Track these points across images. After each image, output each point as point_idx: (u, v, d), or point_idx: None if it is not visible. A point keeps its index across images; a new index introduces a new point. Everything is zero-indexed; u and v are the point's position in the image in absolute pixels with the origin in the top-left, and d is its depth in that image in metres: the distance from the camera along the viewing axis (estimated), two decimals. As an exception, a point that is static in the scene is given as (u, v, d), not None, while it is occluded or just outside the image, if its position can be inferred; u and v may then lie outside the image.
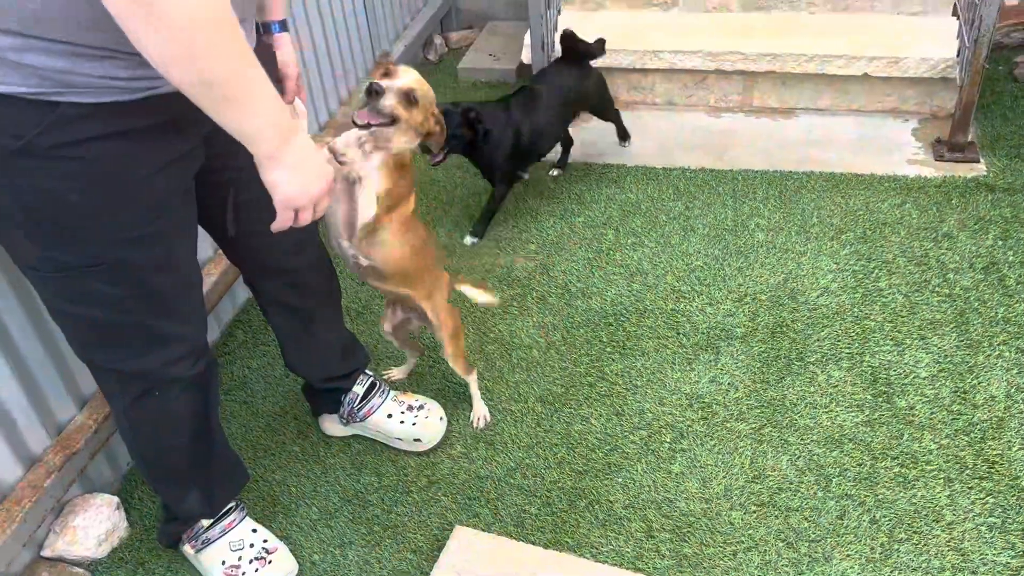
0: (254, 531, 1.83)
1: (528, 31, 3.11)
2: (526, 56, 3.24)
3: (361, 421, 2.05)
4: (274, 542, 1.83)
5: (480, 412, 2.09)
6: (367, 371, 2.08)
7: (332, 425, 2.10)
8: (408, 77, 1.68)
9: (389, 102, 1.61)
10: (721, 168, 2.91)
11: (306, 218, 1.32)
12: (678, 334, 2.26)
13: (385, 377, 2.21)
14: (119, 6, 0.99)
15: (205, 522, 1.80)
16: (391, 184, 1.67)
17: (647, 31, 3.30)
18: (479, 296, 2.07)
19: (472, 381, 2.08)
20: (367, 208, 1.66)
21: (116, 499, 1.95)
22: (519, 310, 2.41)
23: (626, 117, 3.20)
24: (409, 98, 1.64)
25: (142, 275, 1.37)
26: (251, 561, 1.78)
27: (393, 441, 2.04)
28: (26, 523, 1.73)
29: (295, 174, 1.25)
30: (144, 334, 1.45)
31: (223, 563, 1.79)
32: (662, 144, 3.10)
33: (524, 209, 2.81)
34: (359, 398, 2.03)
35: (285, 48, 1.64)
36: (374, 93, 1.60)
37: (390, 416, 2.04)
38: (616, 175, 2.94)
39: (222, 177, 1.49)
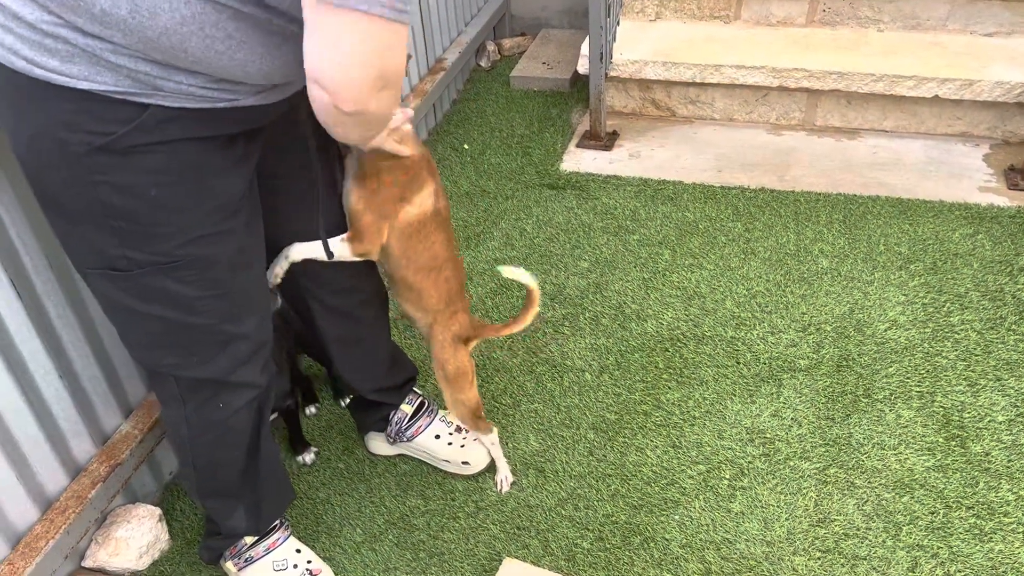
0: (298, 551, 1.78)
1: (585, 40, 3.04)
2: (582, 66, 3.17)
3: (408, 441, 1.99)
4: (318, 563, 1.78)
5: (503, 474, 1.94)
6: (416, 389, 2.03)
7: (378, 443, 2.05)
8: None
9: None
10: (782, 189, 2.82)
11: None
12: (738, 363, 2.18)
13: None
14: (334, 118, 1.13)
15: (249, 539, 1.76)
16: (366, 193, 1.55)
17: (707, 44, 3.21)
18: (520, 275, 1.72)
19: (488, 441, 1.90)
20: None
21: (158, 511, 1.92)
22: (571, 330, 2.34)
23: (684, 132, 3.13)
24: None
25: (215, 273, 1.35)
26: (294, 582, 1.74)
27: (440, 463, 1.99)
28: (69, 535, 1.70)
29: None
30: (214, 336, 1.42)
31: (265, 583, 1.74)
32: (720, 161, 3.01)
33: (576, 224, 2.74)
34: (407, 417, 1.98)
35: None
36: None
37: (438, 437, 1.98)
38: (672, 192, 2.86)
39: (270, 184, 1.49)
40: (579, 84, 3.53)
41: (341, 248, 1.61)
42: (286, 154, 1.50)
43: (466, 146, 3.24)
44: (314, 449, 2.09)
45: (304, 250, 1.60)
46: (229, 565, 1.78)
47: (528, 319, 1.78)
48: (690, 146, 3.11)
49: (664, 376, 2.17)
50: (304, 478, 2.03)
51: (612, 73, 3.16)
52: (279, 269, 1.62)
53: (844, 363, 2.15)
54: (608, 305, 2.41)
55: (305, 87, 1.12)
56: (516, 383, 2.20)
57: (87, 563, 1.82)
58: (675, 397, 2.11)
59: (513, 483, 1.94)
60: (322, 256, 1.61)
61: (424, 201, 1.58)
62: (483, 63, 3.84)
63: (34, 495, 1.69)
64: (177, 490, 2.02)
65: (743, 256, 2.54)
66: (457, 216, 2.84)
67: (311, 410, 2.19)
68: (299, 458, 2.07)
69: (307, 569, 1.76)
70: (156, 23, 1.07)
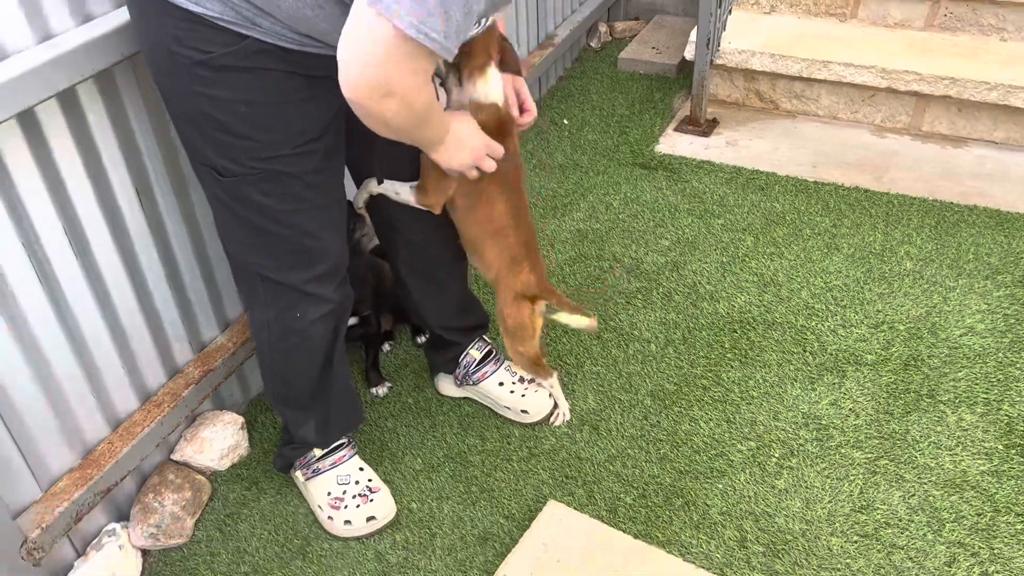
0: (361, 469, 1.93)
1: (695, 27, 3.07)
2: (689, 52, 3.20)
3: (474, 384, 2.11)
4: (377, 483, 1.92)
5: (561, 409, 2.06)
6: (486, 338, 2.14)
7: (447, 385, 2.18)
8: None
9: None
10: (877, 190, 2.79)
11: (477, 173, 1.63)
12: (804, 351, 2.20)
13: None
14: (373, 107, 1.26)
15: (318, 452, 1.91)
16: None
17: (819, 40, 3.19)
18: (575, 320, 1.89)
19: (548, 383, 2.03)
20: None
21: (242, 419, 2.10)
22: (643, 303, 2.40)
23: (785, 126, 3.13)
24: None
25: (294, 188, 1.50)
26: (354, 496, 1.88)
27: (501, 409, 2.10)
28: (162, 425, 1.89)
29: (448, 154, 1.55)
30: (292, 246, 1.57)
31: (328, 494, 1.89)
32: (818, 157, 3.00)
33: (663, 204, 2.80)
34: (475, 362, 2.09)
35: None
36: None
37: (501, 384, 2.09)
38: (764, 182, 2.87)
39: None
40: (685, 71, 3.56)
41: (408, 194, 1.74)
42: None
43: (566, 121, 3.32)
44: (388, 384, 2.23)
45: (383, 187, 1.76)
46: (298, 475, 1.95)
47: (586, 322, 1.88)
48: (789, 140, 3.11)
49: (728, 355, 2.21)
50: (375, 408, 2.18)
51: (718, 61, 3.18)
52: (360, 200, 1.81)
53: (912, 362, 2.14)
54: (683, 283, 2.46)
55: None
56: (583, 345, 2.28)
57: (175, 456, 2.02)
58: (736, 376, 2.15)
59: (567, 432, 2.04)
60: (394, 196, 1.74)
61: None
62: (593, 43, 3.91)
63: (136, 387, 1.89)
64: (261, 404, 2.21)
65: (826, 250, 2.54)
66: (547, 186, 2.94)
67: (386, 347, 2.34)
68: (373, 390, 2.21)
69: (368, 486, 1.90)
70: None
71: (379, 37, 1.16)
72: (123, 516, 1.92)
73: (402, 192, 1.75)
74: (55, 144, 1.57)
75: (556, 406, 2.08)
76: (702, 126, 3.21)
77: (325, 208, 1.57)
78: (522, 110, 1.73)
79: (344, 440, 1.94)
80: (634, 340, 2.29)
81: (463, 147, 1.55)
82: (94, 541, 1.84)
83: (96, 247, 1.70)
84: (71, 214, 1.64)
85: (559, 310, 1.88)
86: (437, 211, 1.76)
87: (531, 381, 2.09)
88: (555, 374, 2.03)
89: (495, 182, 1.69)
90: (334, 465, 1.91)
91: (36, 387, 1.65)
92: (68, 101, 1.57)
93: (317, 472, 1.91)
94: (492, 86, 1.62)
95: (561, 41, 3.47)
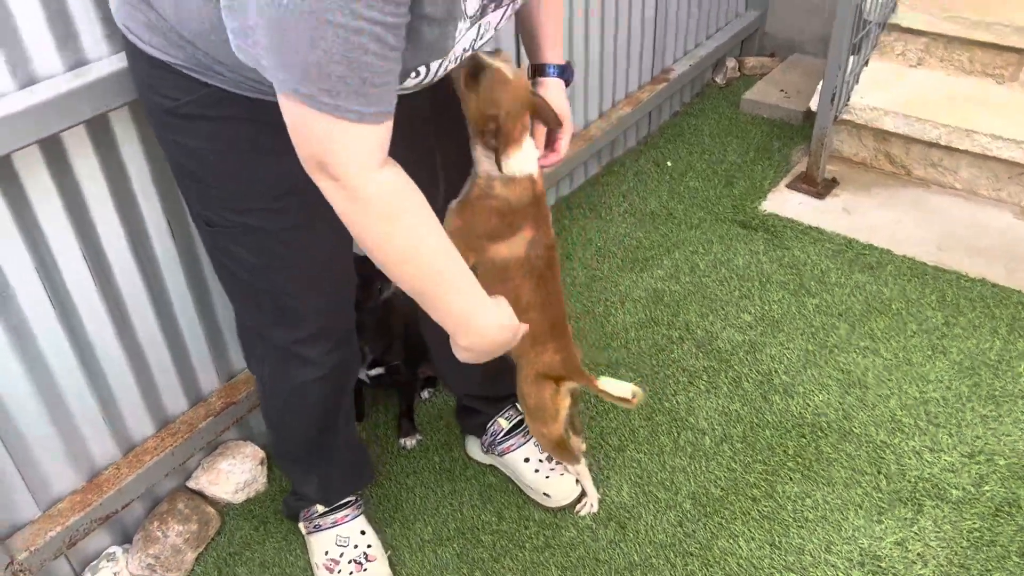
0: (362, 533, 1.83)
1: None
2: (813, 103, 2.91)
3: (499, 456, 1.96)
4: (376, 550, 1.81)
5: (590, 499, 1.89)
6: (517, 406, 1.99)
7: (475, 448, 2.04)
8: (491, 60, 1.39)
9: (459, 76, 1.39)
10: (1007, 286, 2.44)
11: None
12: (878, 473, 1.92)
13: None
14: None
15: (320, 507, 1.82)
16: (461, 221, 1.49)
17: (967, 104, 2.82)
18: (613, 387, 1.68)
19: (574, 471, 1.86)
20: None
21: (263, 454, 2.04)
22: (707, 386, 2.18)
23: (914, 196, 2.81)
24: (474, 73, 1.37)
25: (268, 243, 1.39)
26: (350, 562, 1.78)
27: (524, 487, 1.94)
28: (174, 455, 1.86)
29: (476, 345, 1.34)
30: (274, 305, 1.48)
31: (326, 553, 1.80)
32: (945, 238, 2.65)
33: (754, 272, 2.54)
34: (502, 432, 1.95)
35: (557, 94, 1.53)
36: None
37: (527, 460, 1.94)
38: (875, 260, 2.57)
39: None
40: (811, 121, 3.25)
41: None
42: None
43: (669, 163, 3.11)
44: (418, 436, 2.12)
45: None
46: (301, 525, 1.87)
47: (627, 391, 1.67)
48: (916, 213, 2.77)
49: (789, 464, 1.97)
50: (400, 460, 2.07)
51: (845, 116, 2.88)
52: None
53: (1007, 509, 1.83)
54: (757, 369, 2.22)
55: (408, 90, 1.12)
56: (629, 426, 2.09)
57: (191, 483, 1.99)
58: (793, 491, 1.91)
59: (590, 525, 1.86)
60: None
61: (516, 246, 1.52)
62: (718, 79, 3.65)
63: (153, 412, 1.86)
64: (287, 438, 2.15)
65: (930, 352, 2.23)
66: (633, 235, 2.74)
67: (425, 394, 2.23)
68: (402, 440, 2.11)
69: (365, 553, 1.79)
70: (190, 27, 1.14)
71: (293, 115, 1.04)
72: (129, 538, 1.90)
73: None
74: (81, 169, 1.54)
75: (584, 493, 1.90)
76: (818, 186, 2.91)
77: (304, 269, 1.45)
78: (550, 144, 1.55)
79: (351, 498, 1.84)
80: (688, 428, 2.07)
81: (488, 342, 1.35)
82: (92, 563, 1.83)
83: (119, 273, 1.67)
84: (93, 239, 1.61)
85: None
86: None
87: (559, 462, 1.92)
88: (583, 461, 1.85)
89: (520, 263, 1.53)
90: (335, 524, 1.82)
91: (41, 407, 1.63)
92: (99, 128, 1.54)
93: (318, 528, 1.82)
94: (526, 157, 1.47)
95: (677, 76, 3.24)
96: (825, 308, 2.40)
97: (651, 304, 2.45)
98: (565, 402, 1.72)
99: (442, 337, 1.83)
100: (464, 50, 1.19)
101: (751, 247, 2.66)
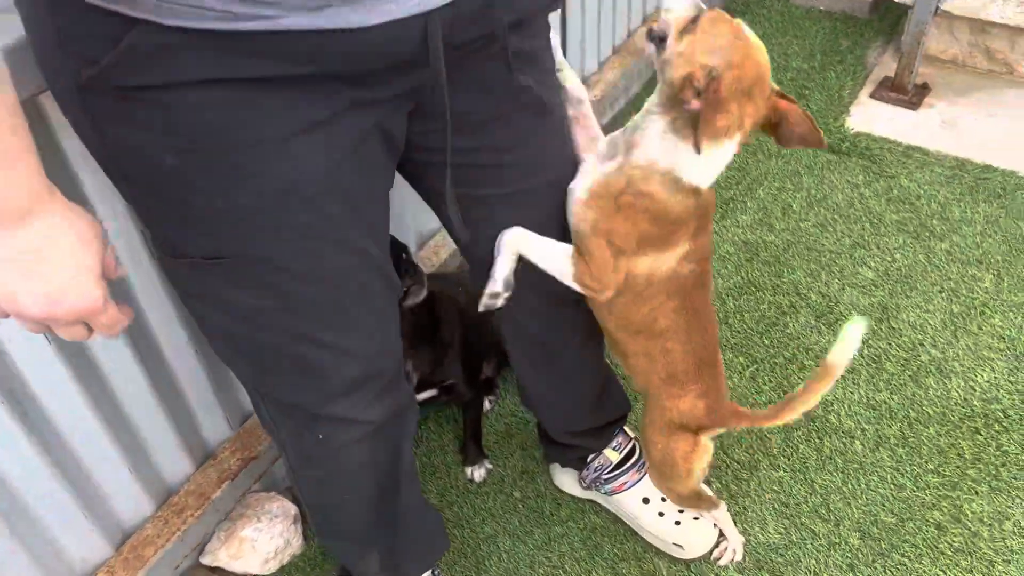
0: (445, 619, 1.39)
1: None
2: (903, -8, 2.40)
3: (607, 495, 1.52)
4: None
5: (733, 544, 1.47)
6: (628, 430, 1.54)
7: (568, 480, 1.60)
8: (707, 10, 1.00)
9: (669, 19, 0.99)
10: None
11: (60, 334, 0.79)
12: (1086, 477, 1.53)
13: None
14: None
15: (385, 590, 1.37)
16: (600, 216, 1.05)
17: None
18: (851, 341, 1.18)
19: (713, 516, 1.46)
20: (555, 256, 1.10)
21: (294, 509, 1.57)
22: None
23: (996, 95, 2.35)
24: (693, 22, 0.98)
25: (281, 280, 0.91)
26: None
27: (644, 533, 1.51)
28: (183, 542, 1.38)
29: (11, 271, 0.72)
30: (292, 359, 0.99)
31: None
32: (1074, 151, 2.22)
33: (861, 211, 2.08)
34: (610, 467, 1.50)
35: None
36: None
37: (646, 501, 1.50)
38: (1001, 186, 2.12)
39: (436, 159, 0.96)
40: (882, 10, 2.74)
41: (563, 265, 1.10)
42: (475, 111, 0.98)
43: (725, 75, 2.58)
44: (488, 463, 1.67)
45: (520, 243, 1.09)
46: (363, 613, 1.42)
47: (810, 402, 1.21)
48: (1016, 117, 2.32)
49: (970, 472, 1.56)
50: (470, 499, 1.62)
51: (945, 7, 2.37)
52: (501, 275, 1.09)
53: None
54: (897, 344, 1.79)
55: None
56: (757, 433, 1.66)
57: (205, 559, 1.52)
58: (985, 510, 1.50)
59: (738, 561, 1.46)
60: (537, 262, 1.11)
61: (664, 259, 1.08)
62: (759, -35, 3.08)
63: (148, 485, 1.37)
64: (320, 480, 1.67)
65: (1103, 305, 1.82)
66: (704, 173, 2.25)
67: (487, 404, 1.76)
68: (468, 470, 1.66)
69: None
70: None
71: None
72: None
73: (550, 260, 1.11)
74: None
75: (722, 535, 1.48)
76: (909, 94, 2.43)
77: (332, 303, 0.96)
78: None
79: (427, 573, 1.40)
80: (831, 432, 1.65)
81: (36, 274, 0.73)
82: None
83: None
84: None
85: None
86: (603, 297, 1.12)
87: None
88: (722, 505, 1.42)
89: (664, 280, 1.10)
90: (407, 608, 1.37)
91: (-6, 523, 1.14)
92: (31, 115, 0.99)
93: (386, 614, 1.38)
94: (721, 159, 1.01)
95: (725, -33, 2.68)
96: (959, 254, 1.96)
97: (746, 262, 1.99)
98: (703, 460, 1.27)
99: (536, 363, 1.36)
100: None
101: (848, 178, 2.18)
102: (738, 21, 0.99)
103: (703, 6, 1.00)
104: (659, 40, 1.00)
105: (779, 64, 2.59)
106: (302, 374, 1.01)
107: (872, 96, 2.46)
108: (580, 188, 1.07)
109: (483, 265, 1.12)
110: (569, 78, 1.13)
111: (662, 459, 1.29)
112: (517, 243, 1.08)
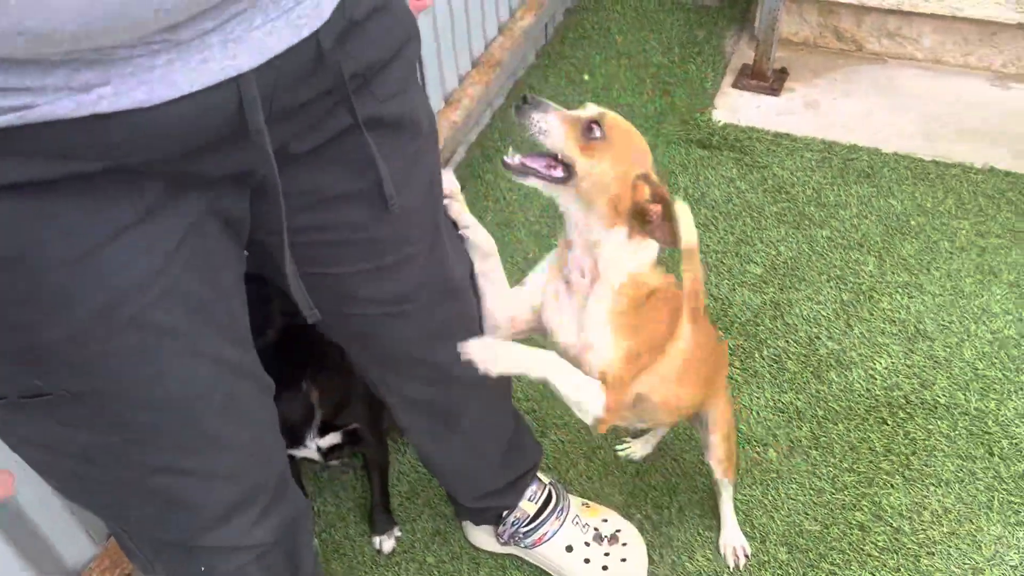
0: None
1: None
2: (751, -20, 2.40)
3: (528, 548, 1.42)
4: None
5: (736, 541, 1.44)
6: (541, 476, 1.44)
7: (483, 537, 1.49)
8: (592, 109, 1.05)
9: (556, 134, 0.99)
10: (1020, 172, 2.09)
11: None
12: (991, 454, 1.54)
13: (624, 451, 1.57)
14: None
15: None
16: (624, 335, 1.05)
17: (921, -43, 2.40)
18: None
19: (728, 495, 1.44)
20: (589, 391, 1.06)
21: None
22: (742, 372, 1.71)
23: (873, 75, 2.40)
24: (590, 131, 1.00)
25: (120, 411, 0.77)
26: None
27: (572, 584, 1.42)
28: None
29: None
30: (153, 493, 0.85)
31: None
32: (929, 123, 2.27)
33: (740, 205, 2.06)
34: (528, 519, 1.40)
35: None
36: (526, 107, 0.99)
37: (570, 550, 1.41)
38: (868, 166, 2.15)
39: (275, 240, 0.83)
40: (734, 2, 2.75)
41: (593, 398, 1.04)
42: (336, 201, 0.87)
43: (586, 76, 2.52)
44: (397, 530, 1.53)
45: (550, 373, 1.04)
46: None
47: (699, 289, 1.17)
48: (885, 97, 2.37)
49: (884, 465, 1.55)
50: (380, 573, 1.49)
51: (791, -8, 2.39)
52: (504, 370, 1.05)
53: None
54: (793, 339, 1.77)
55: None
56: (671, 454, 1.60)
57: None
58: (903, 503, 1.49)
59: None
60: (561, 396, 1.06)
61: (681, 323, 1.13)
62: (606, -40, 3.04)
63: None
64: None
65: (979, 275, 1.85)
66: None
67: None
68: (375, 540, 1.52)
69: None
70: None
71: None
72: None
73: (582, 395, 1.05)
74: None
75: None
76: (769, 80, 2.44)
77: (188, 427, 0.81)
78: None
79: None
80: (742, 442, 1.60)
81: None
82: None
83: None
84: None
85: None
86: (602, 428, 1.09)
87: (613, 539, 1.41)
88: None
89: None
90: None
91: None
92: None
93: None
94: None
95: (574, -34, 2.62)
96: (840, 240, 1.96)
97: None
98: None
99: (434, 432, 1.25)
100: None
101: (723, 172, 2.16)
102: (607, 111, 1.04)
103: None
104: (565, 167, 1.00)
105: (640, 61, 2.56)
106: (168, 507, 0.86)
107: (734, 86, 2.46)
108: (596, 319, 1.05)
109: (358, 336, 1.00)
110: (476, 232, 1.11)
111: (732, 426, 1.36)
112: (545, 370, 1.04)
